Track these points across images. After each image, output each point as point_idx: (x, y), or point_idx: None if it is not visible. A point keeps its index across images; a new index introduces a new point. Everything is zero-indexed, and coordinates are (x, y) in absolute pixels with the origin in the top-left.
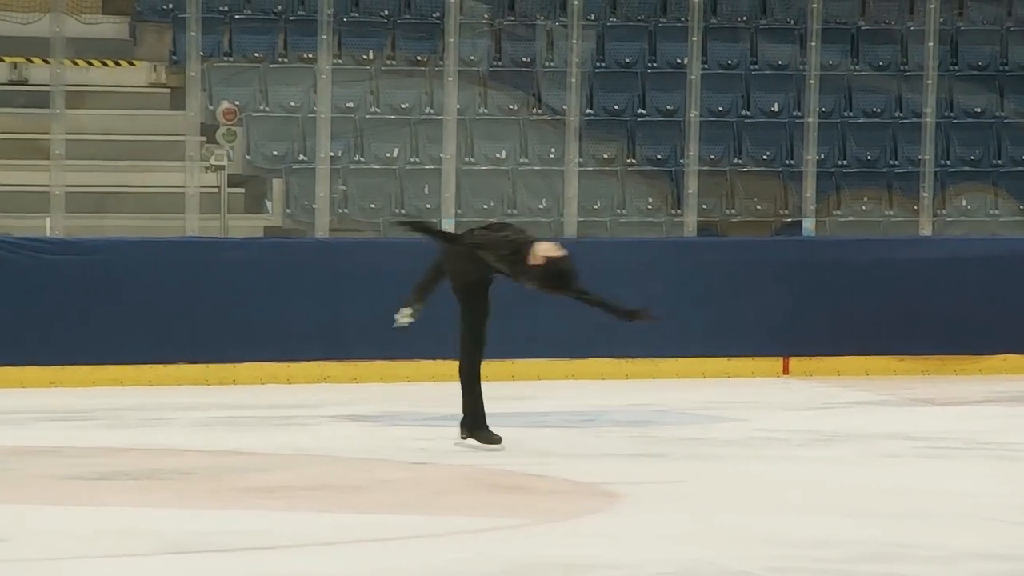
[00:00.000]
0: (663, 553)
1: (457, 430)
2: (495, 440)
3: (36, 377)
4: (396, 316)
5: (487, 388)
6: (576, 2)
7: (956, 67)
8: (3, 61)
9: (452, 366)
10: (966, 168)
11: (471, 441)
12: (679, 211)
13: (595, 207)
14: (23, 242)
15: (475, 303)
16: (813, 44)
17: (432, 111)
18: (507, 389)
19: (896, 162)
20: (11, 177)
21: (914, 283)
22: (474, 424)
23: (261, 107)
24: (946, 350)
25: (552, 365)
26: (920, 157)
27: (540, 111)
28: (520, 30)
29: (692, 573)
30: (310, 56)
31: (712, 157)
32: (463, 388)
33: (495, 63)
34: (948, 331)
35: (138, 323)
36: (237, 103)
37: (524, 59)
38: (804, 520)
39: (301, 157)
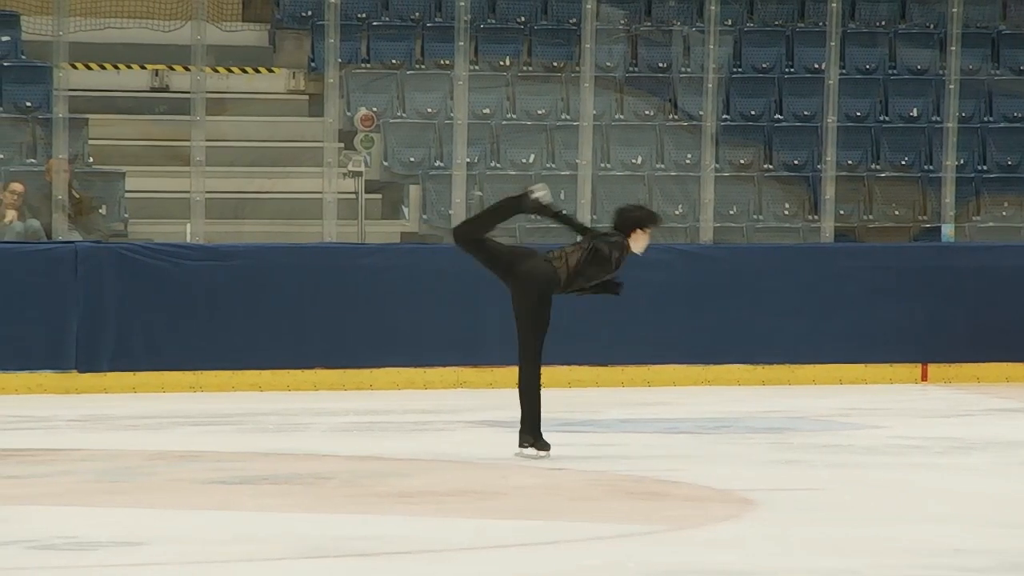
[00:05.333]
0: (799, 561)
1: (587, 436)
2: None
3: (176, 382)
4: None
5: (626, 393)
6: (713, 7)
7: None
8: (145, 69)
9: (586, 372)
10: None
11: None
12: (816, 217)
13: (731, 213)
14: (164, 248)
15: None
16: (953, 48)
17: (568, 117)
18: (642, 395)
19: None
20: (152, 184)
21: None
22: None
23: (398, 113)
24: None
25: (687, 371)
26: None
27: (676, 117)
28: (656, 36)
29: None
30: (447, 62)
31: (850, 162)
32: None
33: (631, 69)
34: None
35: (276, 328)
36: (375, 109)
37: (660, 64)
38: (943, 529)
39: (438, 163)
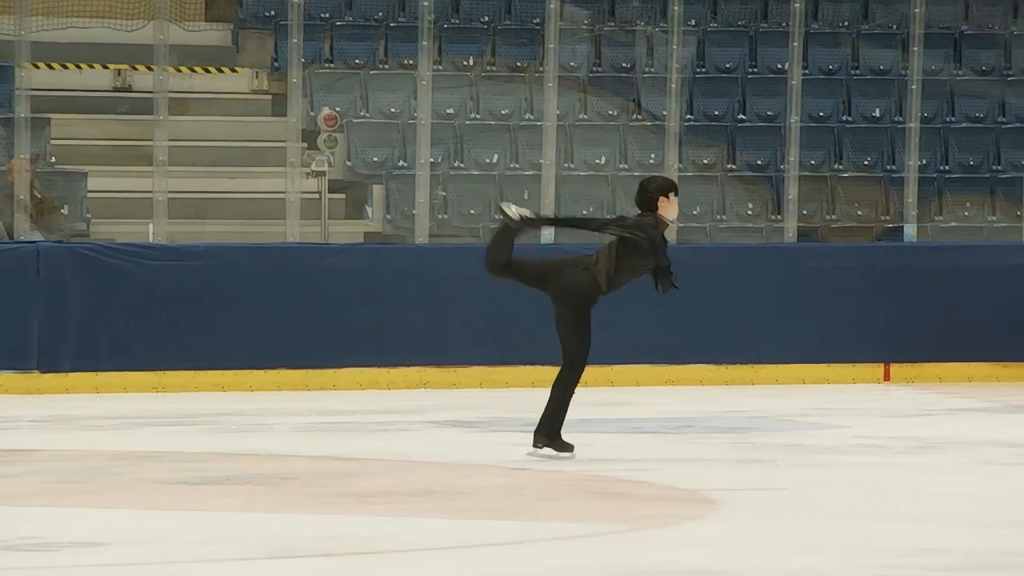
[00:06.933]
0: (765, 561)
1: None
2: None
3: (138, 382)
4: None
5: (589, 393)
6: (676, 8)
7: None
8: (107, 68)
9: (550, 372)
10: None
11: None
12: (779, 217)
13: (695, 213)
14: (126, 248)
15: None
16: (915, 49)
17: (532, 117)
18: (605, 395)
19: (999, 167)
20: (114, 183)
21: (1017, 289)
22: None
23: (362, 113)
24: None
25: (650, 371)
26: (1023, 162)
27: (640, 117)
28: (620, 36)
29: None
30: (410, 62)
31: (812, 163)
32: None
33: (595, 69)
34: None
35: (239, 329)
36: (338, 109)
37: (624, 65)
38: (909, 528)
39: (401, 163)
